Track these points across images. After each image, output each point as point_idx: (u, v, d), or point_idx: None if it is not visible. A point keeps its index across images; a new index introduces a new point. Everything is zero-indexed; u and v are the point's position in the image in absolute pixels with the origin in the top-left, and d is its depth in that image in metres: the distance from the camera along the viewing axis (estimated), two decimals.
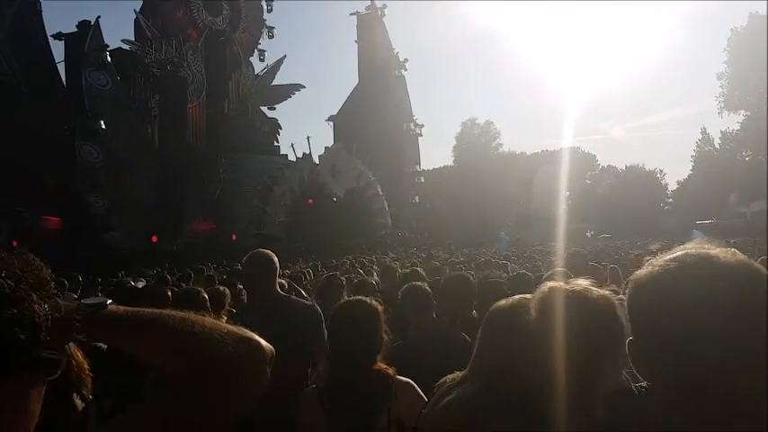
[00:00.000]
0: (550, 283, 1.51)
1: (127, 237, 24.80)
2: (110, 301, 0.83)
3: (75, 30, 27.17)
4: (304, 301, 3.96)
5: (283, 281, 7.50)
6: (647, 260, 0.98)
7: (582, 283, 1.49)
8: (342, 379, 2.25)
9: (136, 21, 32.63)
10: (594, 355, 1.38)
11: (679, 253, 0.90)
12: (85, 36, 26.40)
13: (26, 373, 0.70)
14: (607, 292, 1.48)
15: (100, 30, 27.23)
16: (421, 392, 2.22)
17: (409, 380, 2.29)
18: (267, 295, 3.30)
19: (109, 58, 27.67)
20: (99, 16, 27.85)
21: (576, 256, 5.75)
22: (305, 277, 9.20)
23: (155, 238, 25.35)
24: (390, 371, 2.27)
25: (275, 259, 3.35)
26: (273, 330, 2.65)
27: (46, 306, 0.73)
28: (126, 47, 31.35)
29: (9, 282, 0.72)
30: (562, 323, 1.41)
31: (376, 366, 2.27)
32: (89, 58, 26.17)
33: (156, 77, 31.18)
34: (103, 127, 25.30)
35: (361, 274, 8.06)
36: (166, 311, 0.86)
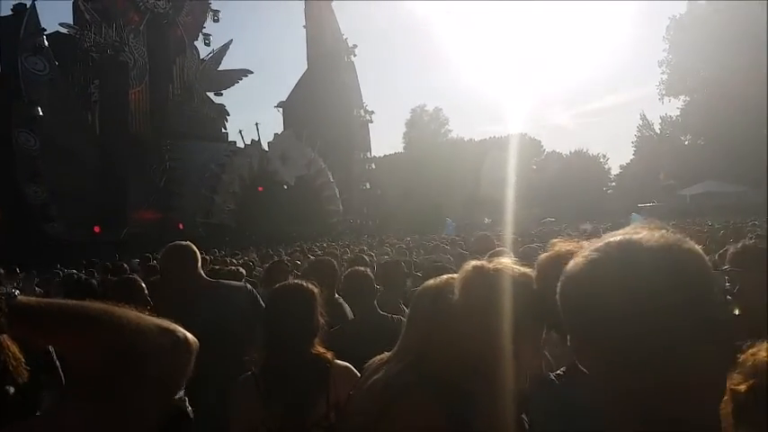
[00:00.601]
0: (473, 262, 1.54)
1: (68, 227, 23.95)
2: (17, 291, 0.79)
3: (11, 13, 25.90)
4: (232, 282, 3.92)
5: (242, 269, 7.49)
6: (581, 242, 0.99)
7: (504, 261, 1.54)
8: (278, 364, 2.22)
9: (74, 4, 31.27)
10: (516, 333, 1.42)
11: (601, 243, 0.86)
12: (21, 20, 25.24)
13: None
14: (527, 270, 1.53)
15: (36, 13, 26.13)
16: (357, 377, 2.25)
17: (348, 364, 2.29)
18: (191, 284, 3.27)
19: (46, 43, 26.54)
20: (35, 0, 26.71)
21: (483, 239, 5.93)
22: (254, 266, 9.19)
23: (97, 229, 24.59)
24: (329, 355, 2.28)
25: (193, 249, 3.33)
26: (201, 317, 2.70)
27: None
28: (64, 30, 30.08)
29: None
30: (483, 301, 1.44)
31: (314, 350, 2.26)
32: (25, 43, 25.06)
33: (95, 62, 30.04)
34: (41, 114, 24.26)
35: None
36: (86, 302, 0.83)
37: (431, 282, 1.76)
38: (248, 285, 3.64)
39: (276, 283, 4.84)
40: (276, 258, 8.62)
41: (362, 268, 3.62)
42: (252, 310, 3.26)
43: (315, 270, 4.30)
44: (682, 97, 49.75)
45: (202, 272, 3.46)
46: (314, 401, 2.18)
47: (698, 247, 0.84)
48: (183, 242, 3.42)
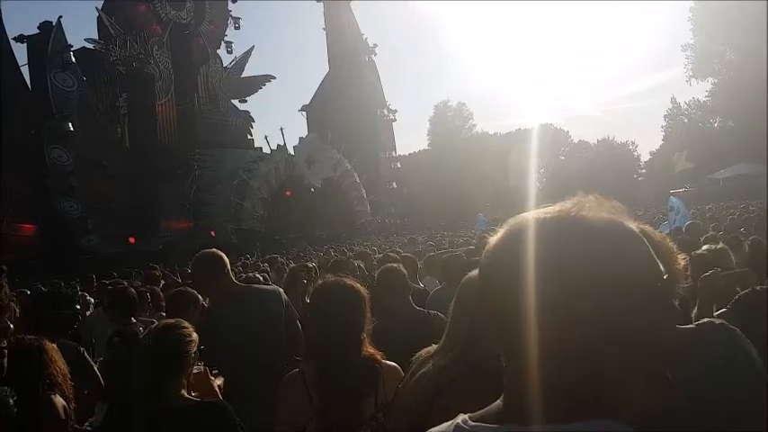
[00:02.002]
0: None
1: (104, 240, 24.46)
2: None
3: (37, 31, 26.55)
4: (262, 286, 4.02)
5: (266, 274, 7.52)
6: None
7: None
8: (329, 364, 2.17)
9: (98, 19, 31.96)
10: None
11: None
12: (48, 37, 25.80)
13: None
14: None
15: (62, 30, 26.65)
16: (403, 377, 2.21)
17: (395, 364, 2.25)
18: (225, 292, 3.34)
19: (73, 59, 27.10)
20: (61, 16, 27.25)
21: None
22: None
23: (132, 240, 25.05)
24: (378, 355, 2.24)
25: (220, 256, 3.39)
26: (245, 322, 2.68)
27: None
28: (90, 46, 30.74)
29: None
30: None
31: (364, 350, 2.23)
32: (53, 60, 25.60)
33: (122, 75, 30.60)
34: (72, 129, 24.80)
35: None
36: None
37: (473, 273, 1.69)
38: (278, 288, 3.69)
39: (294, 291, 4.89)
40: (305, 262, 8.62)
41: (395, 264, 3.61)
42: (284, 310, 3.36)
43: (336, 269, 4.32)
44: (710, 79, 48.52)
45: (233, 277, 3.53)
46: (364, 401, 2.15)
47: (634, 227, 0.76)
48: (210, 250, 3.49)
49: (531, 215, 0.79)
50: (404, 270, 3.42)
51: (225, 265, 3.37)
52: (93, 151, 26.11)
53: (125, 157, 28.35)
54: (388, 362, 2.27)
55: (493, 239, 0.80)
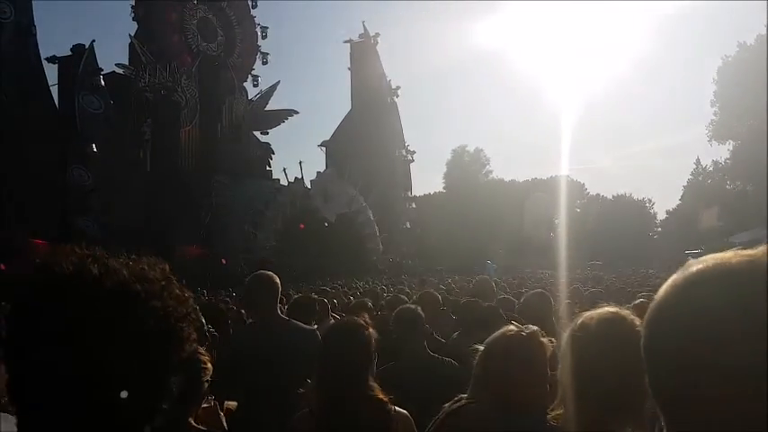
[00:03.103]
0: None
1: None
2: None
3: (70, 53, 27.31)
4: (302, 325, 3.95)
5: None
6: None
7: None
8: (337, 405, 2.13)
9: (130, 45, 32.80)
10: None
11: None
12: (79, 59, 26.53)
13: None
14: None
15: (94, 53, 27.39)
16: (414, 427, 2.20)
17: (407, 413, 2.23)
18: (269, 317, 3.31)
19: (102, 82, 27.77)
20: (94, 40, 28.13)
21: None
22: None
23: None
24: (387, 399, 2.19)
25: (277, 281, 3.36)
26: (275, 351, 2.67)
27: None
28: (120, 71, 31.48)
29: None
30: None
31: (373, 393, 2.18)
32: (82, 82, 26.27)
33: (149, 101, 31.27)
34: (95, 150, 25.26)
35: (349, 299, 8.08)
36: None
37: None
38: (317, 330, 3.61)
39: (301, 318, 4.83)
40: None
41: (413, 306, 3.56)
42: (314, 351, 3.27)
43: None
44: (730, 142, 48.54)
45: (278, 308, 3.49)
46: None
47: None
48: (269, 273, 3.46)
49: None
50: (421, 312, 3.35)
51: (276, 289, 3.35)
52: (114, 173, 26.49)
53: (145, 181, 28.70)
54: (399, 409, 2.22)
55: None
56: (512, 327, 2.03)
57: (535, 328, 1.99)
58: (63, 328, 0.73)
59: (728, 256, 0.76)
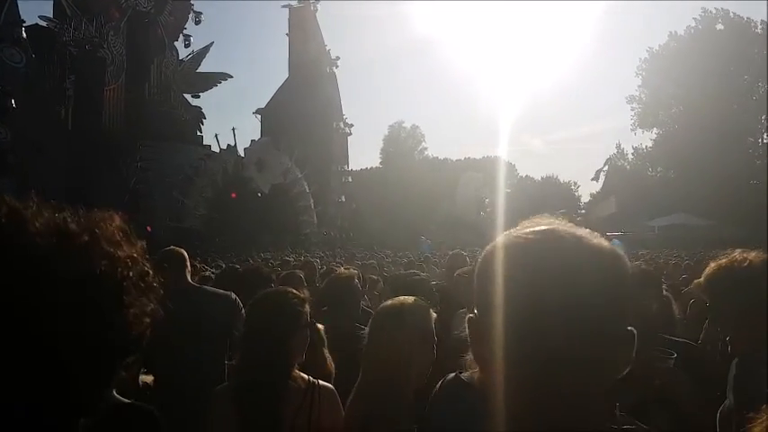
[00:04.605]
0: None
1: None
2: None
3: None
4: (216, 290, 3.82)
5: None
6: None
7: None
8: (255, 380, 2.03)
9: None
10: None
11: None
12: (0, 11, 24.81)
13: None
14: None
15: (16, 4, 26.00)
16: (339, 400, 2.13)
17: (330, 386, 2.18)
18: (177, 291, 3.26)
19: (24, 35, 26.21)
20: None
21: (457, 257, 5.87)
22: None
23: None
24: (310, 377, 2.14)
25: (183, 256, 3.45)
26: (184, 317, 2.59)
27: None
28: (43, 23, 29.47)
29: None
30: None
31: (295, 369, 2.11)
32: (3, 34, 24.67)
33: (73, 57, 29.44)
34: (14, 106, 23.73)
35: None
36: None
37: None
38: (233, 294, 3.49)
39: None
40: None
41: (346, 273, 3.54)
42: (234, 319, 3.18)
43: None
44: (654, 130, 50.97)
45: (188, 276, 3.51)
46: (294, 424, 2.00)
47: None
48: (173, 248, 3.50)
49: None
50: (356, 283, 3.33)
51: (185, 265, 3.41)
52: (33, 130, 24.95)
53: (66, 140, 27.19)
54: (324, 383, 2.16)
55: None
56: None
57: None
58: None
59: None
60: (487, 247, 0.83)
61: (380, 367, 1.94)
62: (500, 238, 0.82)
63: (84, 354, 0.67)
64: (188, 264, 3.47)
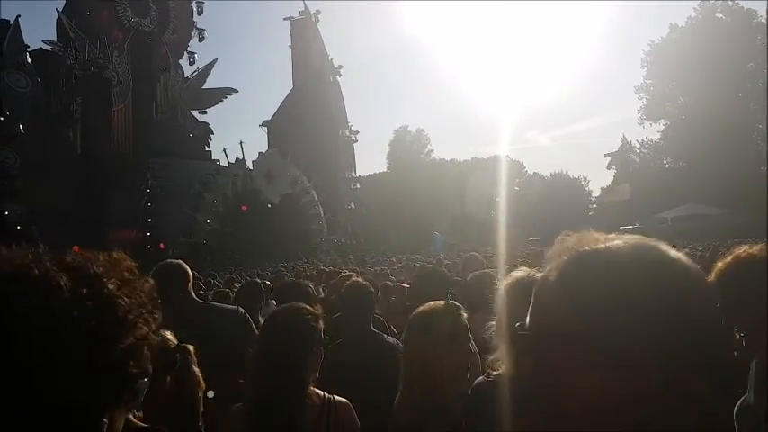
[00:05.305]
0: None
1: (47, 247, 23.43)
2: None
3: None
4: (224, 305, 3.76)
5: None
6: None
7: None
8: (271, 398, 1.98)
9: (58, 21, 31.21)
10: None
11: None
12: (4, 36, 25.16)
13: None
14: None
15: (20, 29, 26.19)
16: (354, 414, 2.11)
17: (347, 402, 2.14)
18: (181, 304, 3.13)
19: (29, 60, 26.47)
20: (19, 15, 26.74)
21: (472, 259, 5.90)
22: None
23: (76, 249, 24.07)
24: (326, 392, 2.11)
25: (184, 268, 3.24)
26: (192, 337, 2.60)
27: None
28: (47, 48, 29.94)
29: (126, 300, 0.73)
30: None
31: (311, 387, 2.07)
32: (8, 59, 24.97)
33: (78, 79, 29.82)
34: (22, 131, 24.01)
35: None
36: None
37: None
38: (241, 309, 3.46)
39: (251, 306, 4.67)
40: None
41: (362, 281, 3.52)
42: (244, 335, 3.13)
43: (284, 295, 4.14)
44: (662, 121, 50.58)
45: (193, 292, 3.34)
46: None
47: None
48: (172, 261, 3.29)
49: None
50: (371, 289, 3.26)
51: (187, 279, 3.21)
52: (42, 154, 25.25)
53: (75, 163, 27.50)
54: (340, 398, 2.12)
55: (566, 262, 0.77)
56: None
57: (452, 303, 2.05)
58: None
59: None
60: (567, 263, 0.78)
61: (417, 371, 1.95)
62: (576, 254, 0.77)
63: (88, 384, 0.72)
64: (190, 278, 3.29)
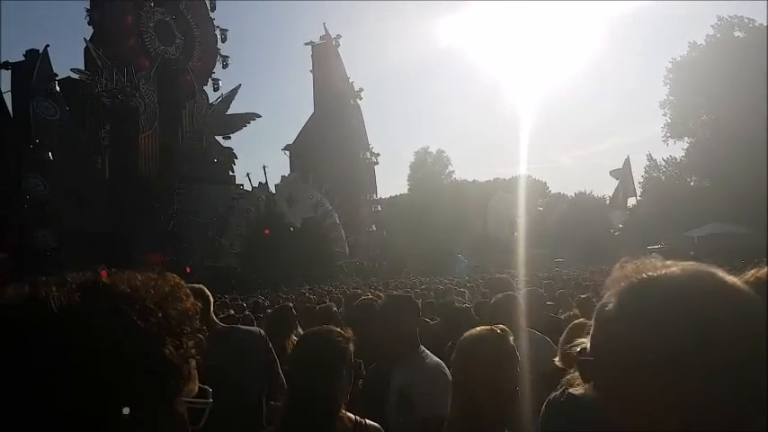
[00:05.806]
0: None
1: (76, 272, 23.83)
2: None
3: (23, 59, 26.53)
4: (246, 327, 3.81)
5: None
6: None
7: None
8: (304, 423, 1.96)
9: (86, 49, 32.00)
10: None
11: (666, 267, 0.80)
12: (33, 65, 25.82)
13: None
14: None
15: (48, 58, 26.76)
16: None
17: (377, 425, 2.14)
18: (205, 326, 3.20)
19: (57, 88, 27.13)
20: (48, 45, 27.47)
21: (502, 282, 5.86)
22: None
23: (105, 273, 24.45)
24: (357, 416, 2.11)
25: (205, 293, 3.30)
26: (213, 362, 2.58)
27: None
28: (75, 76, 30.68)
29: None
30: None
31: (341, 412, 2.05)
32: (37, 88, 25.60)
33: (106, 107, 30.54)
34: (51, 158, 24.56)
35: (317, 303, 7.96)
36: None
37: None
38: (262, 331, 3.51)
39: (280, 332, 4.66)
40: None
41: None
42: (266, 356, 3.18)
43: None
44: (686, 138, 49.97)
45: (214, 316, 3.39)
46: None
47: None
48: (196, 286, 3.35)
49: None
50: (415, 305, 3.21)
51: (208, 303, 3.23)
52: (71, 181, 25.80)
53: (103, 189, 28.04)
54: (371, 422, 2.13)
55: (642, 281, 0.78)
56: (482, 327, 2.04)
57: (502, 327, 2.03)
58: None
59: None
60: (626, 290, 0.79)
61: (466, 396, 1.96)
62: (635, 282, 0.80)
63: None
64: (211, 302, 3.35)
